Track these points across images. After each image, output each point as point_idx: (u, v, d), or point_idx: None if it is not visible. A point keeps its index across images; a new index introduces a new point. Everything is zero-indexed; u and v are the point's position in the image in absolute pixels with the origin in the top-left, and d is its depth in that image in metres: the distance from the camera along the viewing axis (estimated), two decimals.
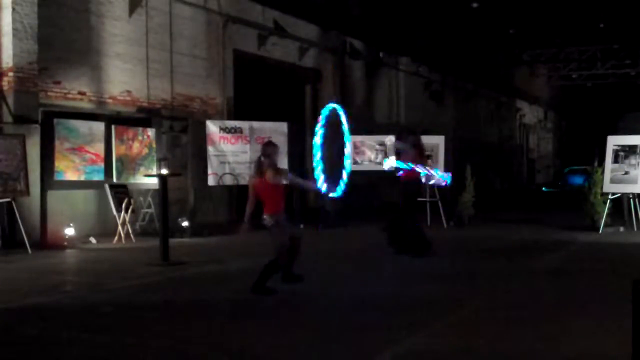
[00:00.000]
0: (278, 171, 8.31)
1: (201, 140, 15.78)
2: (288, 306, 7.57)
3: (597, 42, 32.51)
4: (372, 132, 18.70)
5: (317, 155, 9.39)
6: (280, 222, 8.12)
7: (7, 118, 12.54)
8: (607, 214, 14.85)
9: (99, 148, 13.85)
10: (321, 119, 9.50)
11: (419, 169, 11.06)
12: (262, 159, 8.26)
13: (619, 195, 15.10)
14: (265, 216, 8.13)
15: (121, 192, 13.98)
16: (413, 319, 6.84)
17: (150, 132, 15.17)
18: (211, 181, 15.68)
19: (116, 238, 13.54)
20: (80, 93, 13.98)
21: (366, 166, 17.33)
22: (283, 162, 14.39)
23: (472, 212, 17.02)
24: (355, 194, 19.53)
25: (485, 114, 35.44)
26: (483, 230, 15.52)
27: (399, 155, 11.33)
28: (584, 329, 6.37)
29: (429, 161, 13.46)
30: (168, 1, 15.92)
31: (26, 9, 12.65)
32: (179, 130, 16.17)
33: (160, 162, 12.73)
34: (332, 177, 9.71)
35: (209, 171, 15.58)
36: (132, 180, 14.44)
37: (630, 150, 14.93)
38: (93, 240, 13.46)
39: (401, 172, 11.15)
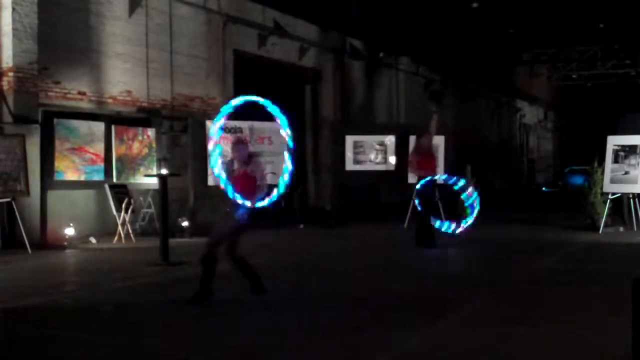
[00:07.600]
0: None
1: (201, 140, 15.76)
2: (288, 306, 7.56)
3: (597, 42, 32.52)
4: (372, 132, 18.70)
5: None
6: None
7: (7, 118, 12.55)
8: (607, 214, 14.84)
9: (99, 148, 13.85)
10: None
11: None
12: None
13: (619, 195, 15.09)
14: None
15: (121, 192, 13.98)
16: (413, 319, 6.85)
17: (150, 132, 15.16)
18: (211, 181, 15.65)
19: (116, 238, 13.54)
20: (80, 93, 13.98)
21: (366, 166, 17.32)
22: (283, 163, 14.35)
23: None
24: (356, 194, 19.66)
25: (485, 114, 35.45)
26: (483, 230, 15.48)
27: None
28: (584, 329, 6.37)
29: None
30: (168, 1, 15.92)
31: (26, 9, 12.65)
32: (179, 130, 16.15)
33: (160, 162, 12.72)
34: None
35: (209, 171, 15.56)
36: (132, 180, 14.44)
37: (630, 150, 14.91)
38: (93, 240, 13.46)
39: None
